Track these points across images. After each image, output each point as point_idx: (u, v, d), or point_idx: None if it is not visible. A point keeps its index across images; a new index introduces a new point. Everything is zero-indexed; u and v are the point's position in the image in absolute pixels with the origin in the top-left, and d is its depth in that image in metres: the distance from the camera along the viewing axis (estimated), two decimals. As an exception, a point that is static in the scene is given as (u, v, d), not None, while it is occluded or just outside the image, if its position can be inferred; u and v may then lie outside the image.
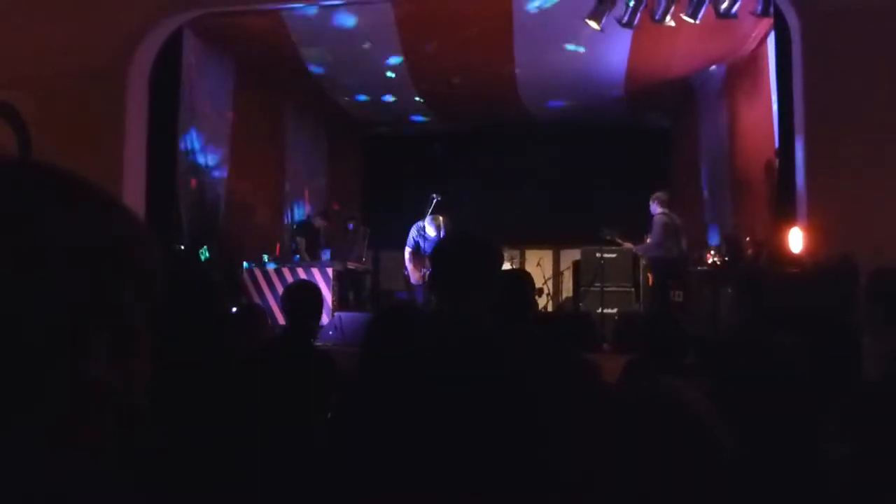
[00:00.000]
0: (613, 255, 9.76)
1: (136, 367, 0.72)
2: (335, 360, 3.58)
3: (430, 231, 9.57)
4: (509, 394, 1.84)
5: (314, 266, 9.66)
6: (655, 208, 9.09)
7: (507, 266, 9.84)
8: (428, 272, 8.88)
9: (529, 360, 2.04)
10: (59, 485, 0.62)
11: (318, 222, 10.50)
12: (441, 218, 9.65)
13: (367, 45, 9.65)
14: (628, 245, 9.49)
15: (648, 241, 9.10)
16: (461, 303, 1.98)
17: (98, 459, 0.67)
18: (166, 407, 1.20)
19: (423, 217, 9.69)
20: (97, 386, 0.67)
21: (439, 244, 2.30)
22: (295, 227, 10.86)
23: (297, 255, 9.98)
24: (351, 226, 11.32)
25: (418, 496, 1.77)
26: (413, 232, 9.72)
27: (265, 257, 9.84)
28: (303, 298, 3.76)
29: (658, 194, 9.20)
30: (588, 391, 3.33)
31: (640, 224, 9.32)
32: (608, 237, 9.47)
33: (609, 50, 9.23)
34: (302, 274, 9.26)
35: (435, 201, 9.77)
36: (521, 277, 3.66)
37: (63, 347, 0.65)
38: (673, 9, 7.62)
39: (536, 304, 4.93)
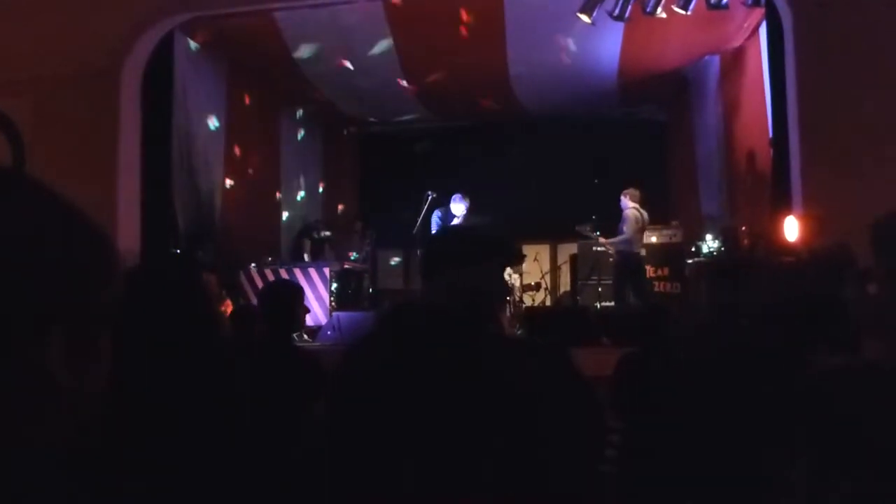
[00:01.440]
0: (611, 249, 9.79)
1: (91, 369, 0.72)
2: (320, 360, 3.56)
3: (459, 210, 9.49)
4: (500, 386, 1.82)
5: (311, 266, 9.66)
6: (626, 203, 9.23)
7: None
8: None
9: (519, 353, 2.02)
10: (5, 477, 0.63)
11: (324, 229, 10.51)
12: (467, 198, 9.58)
13: (358, 44, 9.64)
14: (602, 240, 9.61)
15: (619, 236, 9.19)
16: (453, 294, 1.95)
17: (47, 455, 0.67)
18: (151, 408, 1.20)
19: (419, 214, 9.64)
20: (50, 380, 0.68)
21: (434, 237, 2.25)
22: (299, 229, 10.84)
23: (301, 257, 9.98)
24: (357, 226, 11.37)
25: (411, 497, 1.76)
26: (435, 219, 9.53)
27: (262, 258, 9.84)
28: (275, 299, 3.75)
29: (629, 189, 9.33)
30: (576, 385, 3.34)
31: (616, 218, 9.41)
32: (584, 234, 9.59)
33: (601, 43, 9.23)
34: (299, 274, 9.27)
35: (430, 199, 9.74)
36: None
37: (18, 336, 0.65)
38: (664, 0, 7.62)
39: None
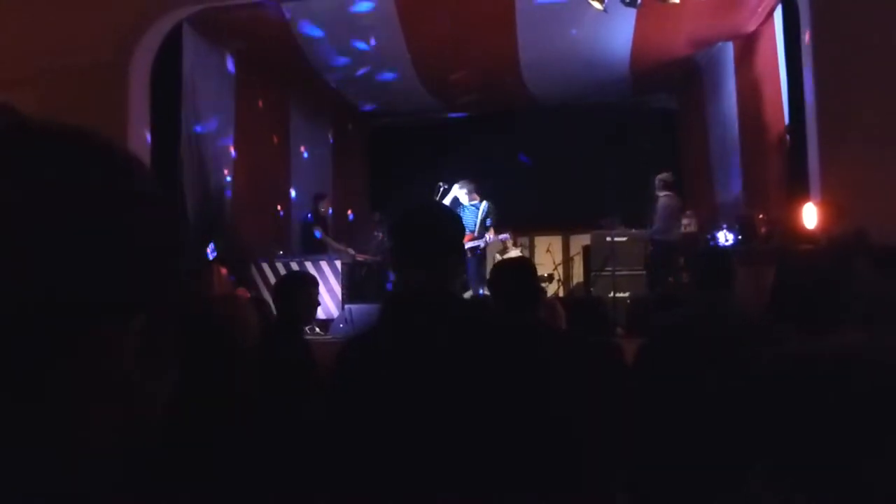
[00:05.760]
0: (624, 239, 9.69)
1: (159, 365, 0.63)
2: (315, 352, 3.56)
3: (464, 198, 9.39)
4: (511, 371, 1.75)
5: (323, 259, 9.61)
6: (661, 190, 9.11)
7: (514, 253, 9.79)
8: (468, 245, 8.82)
9: (525, 335, 1.94)
10: (59, 486, 0.56)
11: (323, 206, 10.43)
12: (473, 184, 9.47)
13: (368, 34, 9.57)
14: (634, 231, 9.48)
15: (655, 224, 9.07)
16: (436, 274, 1.88)
17: (102, 461, 0.59)
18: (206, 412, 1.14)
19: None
20: (118, 377, 0.59)
21: (404, 214, 2.09)
22: (307, 220, 10.79)
23: (313, 247, 9.93)
24: (376, 216, 11.36)
25: (417, 492, 1.69)
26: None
27: (273, 251, 9.81)
28: (285, 290, 3.78)
29: (663, 175, 9.19)
30: (610, 373, 3.26)
31: (648, 206, 9.29)
32: (607, 226, 9.49)
33: (613, 31, 9.12)
34: (310, 267, 9.21)
35: (442, 190, 9.69)
36: (525, 265, 3.57)
37: (104, 322, 0.57)
38: (677, -14, 7.51)
39: (543, 291, 4.80)
